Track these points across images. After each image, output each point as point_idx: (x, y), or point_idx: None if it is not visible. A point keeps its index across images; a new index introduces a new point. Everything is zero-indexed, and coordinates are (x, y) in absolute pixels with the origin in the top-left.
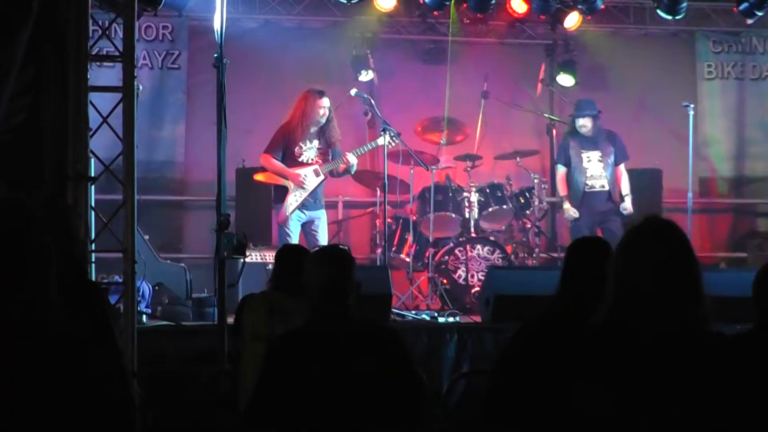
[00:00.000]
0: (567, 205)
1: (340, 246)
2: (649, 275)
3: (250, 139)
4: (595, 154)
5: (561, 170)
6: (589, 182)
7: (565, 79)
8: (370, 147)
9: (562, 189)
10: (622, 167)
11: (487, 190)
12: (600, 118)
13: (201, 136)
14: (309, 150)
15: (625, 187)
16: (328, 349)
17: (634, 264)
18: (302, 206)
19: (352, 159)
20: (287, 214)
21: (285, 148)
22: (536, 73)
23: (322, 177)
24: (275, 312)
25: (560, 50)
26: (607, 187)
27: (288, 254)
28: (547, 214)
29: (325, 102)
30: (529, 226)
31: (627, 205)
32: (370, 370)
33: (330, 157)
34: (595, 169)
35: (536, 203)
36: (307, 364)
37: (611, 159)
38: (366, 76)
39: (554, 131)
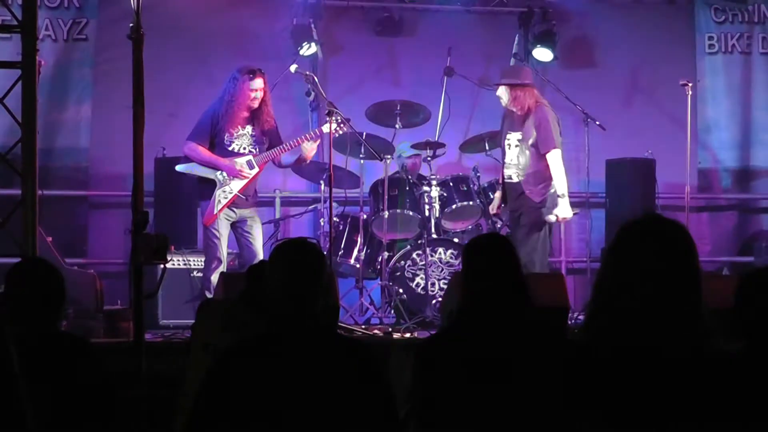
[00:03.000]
0: (497, 194)
1: (308, 240)
2: (641, 284)
3: (172, 123)
4: (515, 137)
5: None
6: (505, 171)
7: (543, 54)
8: (312, 137)
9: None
10: (550, 157)
11: (451, 184)
12: (525, 90)
13: (111, 119)
14: (241, 137)
15: (557, 184)
16: (279, 365)
17: (624, 270)
18: (232, 203)
19: (309, 147)
20: (215, 212)
21: (213, 136)
22: (509, 46)
23: (256, 169)
24: (231, 323)
25: (536, 20)
26: (515, 179)
27: (259, 270)
28: None
29: (257, 84)
30: (500, 225)
31: (556, 213)
32: (327, 389)
33: (265, 146)
34: (510, 156)
35: None
36: (253, 383)
37: (530, 143)
38: (308, 49)
39: None
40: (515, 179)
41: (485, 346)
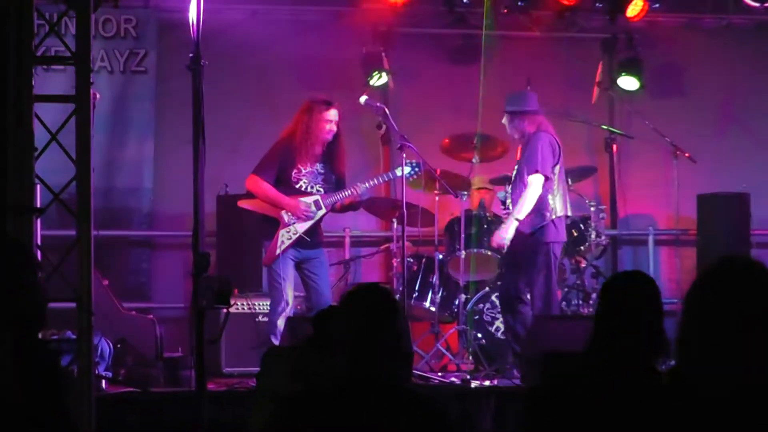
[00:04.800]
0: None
1: (380, 285)
2: (726, 332)
3: (235, 159)
4: (516, 168)
5: None
6: (509, 203)
7: (628, 82)
8: (384, 179)
9: None
10: (530, 179)
11: None
12: (525, 118)
13: (174, 156)
14: (309, 175)
15: (520, 205)
16: (343, 419)
17: (708, 318)
18: (296, 243)
19: (363, 190)
20: (278, 252)
21: (280, 171)
22: (592, 74)
23: (324, 210)
24: (299, 371)
25: (621, 46)
26: (511, 209)
27: (327, 316)
28: (606, 250)
29: (333, 115)
30: (584, 265)
31: (501, 233)
32: None
33: (334, 185)
34: (511, 187)
35: (593, 237)
36: None
37: (524, 172)
38: (379, 79)
39: (615, 147)
40: (511, 209)
41: (608, 394)
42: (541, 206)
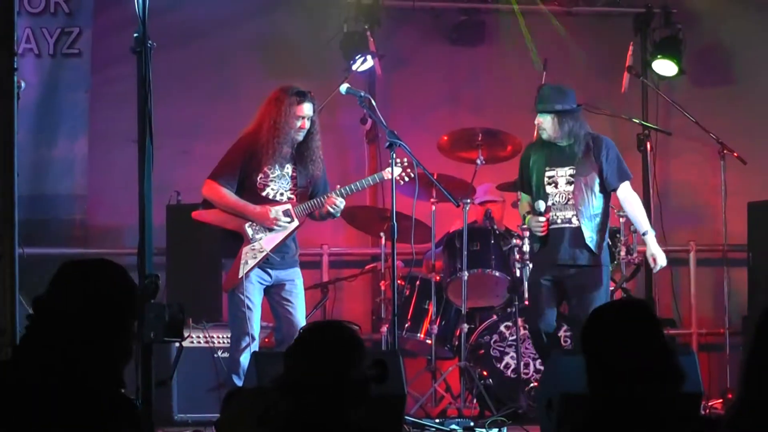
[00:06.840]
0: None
1: (343, 324)
2: None
3: (188, 161)
4: (564, 172)
5: (525, 200)
6: (558, 215)
7: (665, 67)
8: (369, 183)
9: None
10: (622, 191)
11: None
12: (576, 118)
13: (113, 157)
14: (278, 179)
15: (641, 219)
16: None
17: None
18: (265, 262)
19: (339, 201)
20: (240, 275)
21: (243, 176)
22: (622, 57)
23: (296, 222)
24: (268, 416)
25: (657, 23)
26: (576, 223)
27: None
28: (639, 270)
29: (307, 109)
30: (612, 288)
31: (655, 258)
32: None
33: (309, 192)
34: (562, 195)
35: (623, 254)
36: None
37: (593, 180)
38: (363, 64)
39: (649, 145)
40: (575, 223)
41: None
42: (607, 223)
